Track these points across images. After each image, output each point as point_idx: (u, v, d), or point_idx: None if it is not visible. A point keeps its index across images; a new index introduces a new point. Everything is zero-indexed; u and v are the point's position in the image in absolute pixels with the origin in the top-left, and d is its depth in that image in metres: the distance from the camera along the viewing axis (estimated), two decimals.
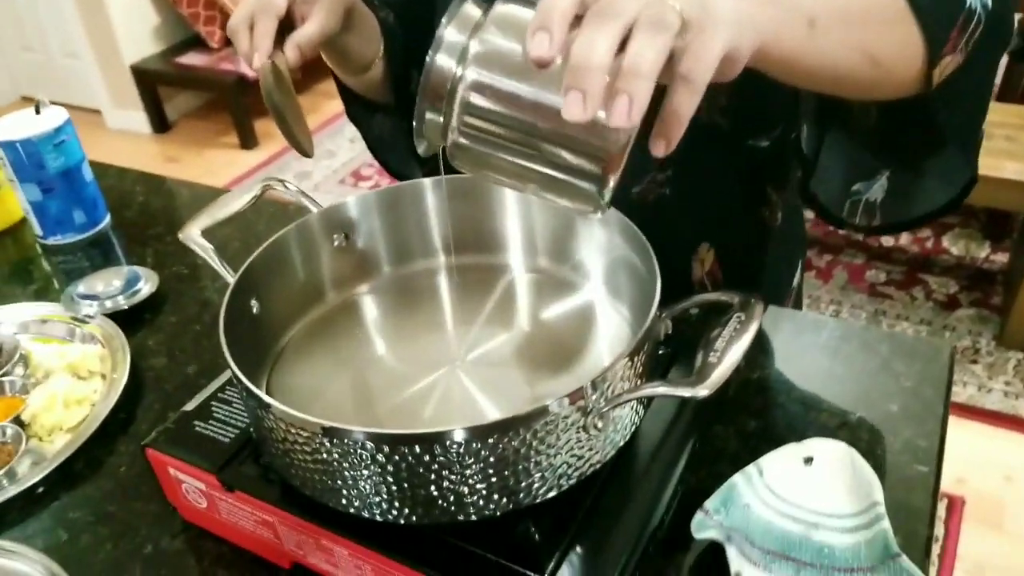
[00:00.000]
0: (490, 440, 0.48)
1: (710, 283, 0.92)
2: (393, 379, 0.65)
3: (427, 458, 0.49)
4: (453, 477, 0.50)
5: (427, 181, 0.72)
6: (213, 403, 0.69)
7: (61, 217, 1.12)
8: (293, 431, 0.52)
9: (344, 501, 0.54)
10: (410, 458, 0.49)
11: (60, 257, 1.13)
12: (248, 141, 3.59)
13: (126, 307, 0.96)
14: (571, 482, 0.54)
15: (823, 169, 0.74)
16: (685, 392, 0.47)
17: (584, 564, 0.53)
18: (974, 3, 0.60)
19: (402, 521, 0.53)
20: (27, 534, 0.72)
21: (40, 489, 0.76)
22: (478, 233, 0.75)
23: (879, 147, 0.72)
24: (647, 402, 0.61)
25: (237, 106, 3.50)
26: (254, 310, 0.66)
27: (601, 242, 0.69)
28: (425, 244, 0.76)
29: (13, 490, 0.74)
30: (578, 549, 0.54)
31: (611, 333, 0.67)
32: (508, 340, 0.68)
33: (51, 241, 1.14)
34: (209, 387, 0.71)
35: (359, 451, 0.50)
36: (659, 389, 0.49)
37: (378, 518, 0.53)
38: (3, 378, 0.87)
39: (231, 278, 0.63)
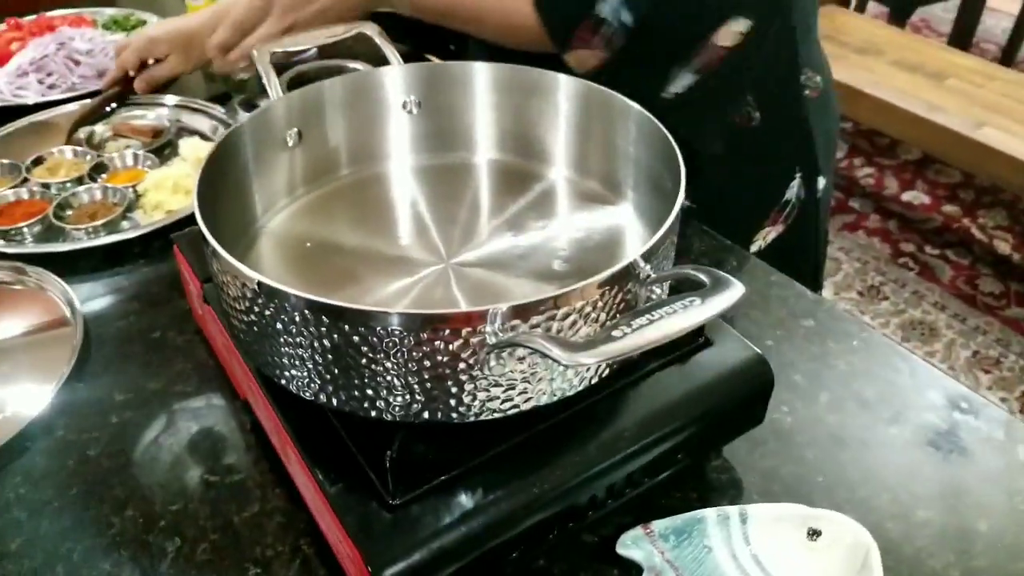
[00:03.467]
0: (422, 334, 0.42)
1: None
2: (380, 264, 0.60)
3: (343, 338, 0.44)
4: (374, 368, 0.44)
5: (482, 65, 0.65)
6: None
7: None
8: (226, 277, 0.49)
9: (273, 367, 0.50)
10: (327, 331, 0.44)
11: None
12: None
13: None
14: (497, 414, 0.47)
15: None
16: (553, 350, 0.38)
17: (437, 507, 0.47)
18: (606, 13, 0.71)
19: (311, 397, 0.49)
20: (76, 285, 0.77)
21: (130, 248, 0.81)
22: (522, 134, 0.67)
23: None
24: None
25: None
26: (289, 143, 0.64)
27: (639, 160, 0.61)
28: (467, 133, 0.69)
29: (90, 242, 0.81)
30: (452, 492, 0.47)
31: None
32: (513, 248, 0.61)
33: None
34: None
35: (278, 311, 0.45)
36: (536, 340, 0.39)
37: (293, 388, 0.50)
38: (139, 151, 0.94)
39: (275, 94, 0.61)
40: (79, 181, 0.90)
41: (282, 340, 0.46)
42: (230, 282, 0.48)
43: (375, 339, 0.43)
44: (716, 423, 0.56)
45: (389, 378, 0.45)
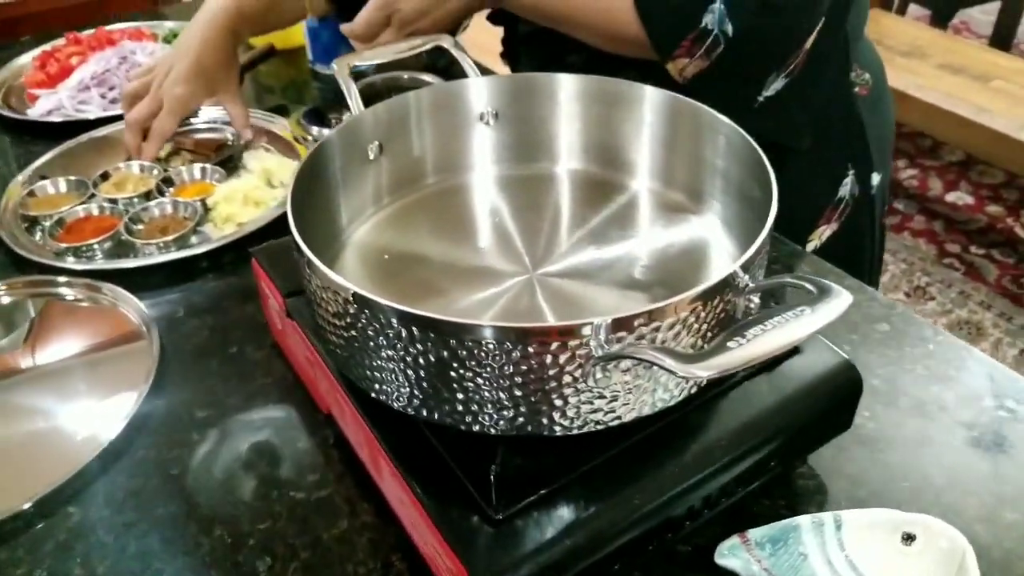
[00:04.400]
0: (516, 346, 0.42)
1: None
2: (463, 275, 0.60)
3: (445, 351, 0.44)
4: (476, 381, 0.45)
5: (567, 76, 0.65)
6: None
7: (330, 48, 1.18)
8: (322, 290, 0.49)
9: (368, 381, 0.50)
10: (430, 345, 0.44)
11: (323, 84, 1.20)
12: None
13: None
14: (600, 426, 0.47)
15: None
16: (667, 361, 0.38)
17: (538, 526, 0.46)
18: (711, 24, 0.70)
19: (411, 412, 0.49)
20: (148, 301, 0.77)
21: (201, 262, 0.82)
22: (605, 145, 0.67)
23: None
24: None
25: None
26: (371, 156, 0.64)
27: (727, 172, 0.61)
28: (550, 144, 0.69)
29: (162, 257, 0.82)
30: (549, 506, 0.47)
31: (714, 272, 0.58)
32: (596, 259, 0.61)
33: (318, 68, 1.21)
34: None
35: (377, 324, 0.45)
36: (647, 352, 0.39)
37: (389, 402, 0.50)
38: (207, 164, 0.95)
39: (356, 110, 0.62)
40: (147, 196, 0.91)
41: (383, 355, 0.46)
42: (330, 298, 0.48)
43: (481, 352, 0.43)
44: (808, 430, 0.56)
45: (492, 392, 0.45)
